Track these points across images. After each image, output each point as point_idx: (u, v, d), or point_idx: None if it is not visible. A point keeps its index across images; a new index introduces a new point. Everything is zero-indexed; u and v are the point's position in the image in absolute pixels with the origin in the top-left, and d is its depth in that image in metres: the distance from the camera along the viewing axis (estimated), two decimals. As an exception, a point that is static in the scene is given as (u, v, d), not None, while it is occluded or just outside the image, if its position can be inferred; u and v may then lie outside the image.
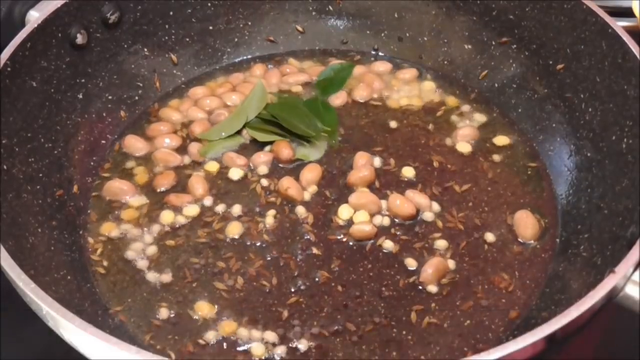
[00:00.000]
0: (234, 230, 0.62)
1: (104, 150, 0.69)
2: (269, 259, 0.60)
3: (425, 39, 0.77)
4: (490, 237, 0.61)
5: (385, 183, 0.65)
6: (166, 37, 0.75)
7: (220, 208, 0.63)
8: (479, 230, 0.62)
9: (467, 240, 0.61)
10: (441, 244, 0.61)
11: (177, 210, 0.63)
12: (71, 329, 0.44)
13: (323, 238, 0.61)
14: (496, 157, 0.68)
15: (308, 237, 0.61)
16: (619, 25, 0.61)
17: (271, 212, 0.63)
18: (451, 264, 0.59)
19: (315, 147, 0.68)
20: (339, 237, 0.61)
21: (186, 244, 0.61)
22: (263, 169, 0.66)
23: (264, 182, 0.65)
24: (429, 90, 0.75)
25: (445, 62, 0.76)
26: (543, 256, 0.60)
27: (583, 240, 0.59)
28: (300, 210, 0.63)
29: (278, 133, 0.69)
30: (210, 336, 0.55)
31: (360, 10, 0.79)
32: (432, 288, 0.58)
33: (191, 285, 0.58)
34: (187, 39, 0.76)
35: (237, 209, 0.63)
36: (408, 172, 0.66)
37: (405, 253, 0.60)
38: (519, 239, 0.61)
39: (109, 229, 0.62)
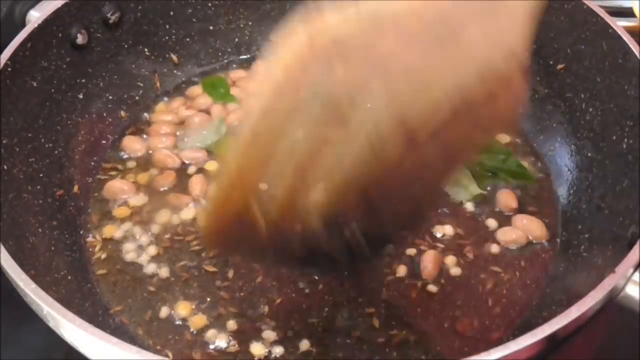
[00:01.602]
0: (234, 230, 0.62)
1: (104, 150, 0.69)
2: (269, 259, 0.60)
3: (426, 39, 0.77)
4: (490, 237, 0.61)
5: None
6: (167, 37, 0.74)
7: (220, 208, 0.63)
8: (480, 230, 0.62)
9: (468, 240, 0.61)
10: (442, 244, 0.61)
11: (178, 210, 0.63)
12: (72, 329, 0.44)
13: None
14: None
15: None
16: (619, 25, 0.61)
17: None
18: (452, 263, 0.59)
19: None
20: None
21: (186, 244, 0.61)
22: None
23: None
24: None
25: (446, 62, 0.76)
26: (543, 256, 0.60)
27: (583, 240, 0.59)
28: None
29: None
30: (210, 336, 0.55)
31: (360, 10, 0.79)
32: (432, 288, 0.58)
33: (191, 285, 0.58)
34: (188, 39, 0.76)
35: (237, 209, 0.63)
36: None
37: (405, 253, 0.60)
38: (520, 239, 0.61)
39: (110, 229, 0.62)
